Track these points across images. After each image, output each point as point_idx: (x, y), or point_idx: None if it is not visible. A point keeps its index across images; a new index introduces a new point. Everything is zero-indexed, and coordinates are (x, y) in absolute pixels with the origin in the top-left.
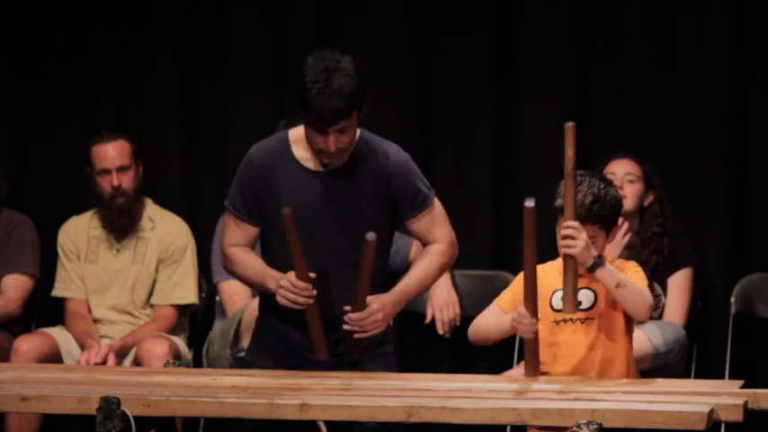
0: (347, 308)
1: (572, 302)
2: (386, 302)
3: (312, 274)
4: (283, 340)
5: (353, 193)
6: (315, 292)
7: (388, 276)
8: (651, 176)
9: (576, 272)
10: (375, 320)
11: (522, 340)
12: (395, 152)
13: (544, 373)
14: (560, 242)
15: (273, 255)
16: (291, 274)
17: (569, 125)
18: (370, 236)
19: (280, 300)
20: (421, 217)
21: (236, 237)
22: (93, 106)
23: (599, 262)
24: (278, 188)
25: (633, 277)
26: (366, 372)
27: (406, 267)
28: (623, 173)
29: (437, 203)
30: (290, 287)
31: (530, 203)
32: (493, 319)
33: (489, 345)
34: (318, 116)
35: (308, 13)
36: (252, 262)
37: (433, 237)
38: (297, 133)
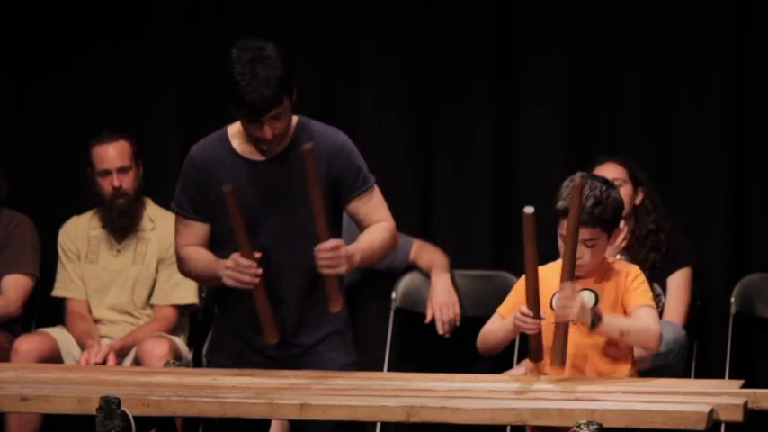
0: (318, 246)
1: (560, 360)
2: (345, 245)
3: (257, 254)
4: (243, 340)
5: (294, 178)
6: (260, 270)
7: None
8: (637, 174)
9: (567, 332)
10: (340, 255)
11: (521, 337)
12: (333, 134)
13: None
14: (555, 310)
15: (224, 250)
16: (236, 254)
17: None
18: (226, 187)
19: (226, 280)
20: (361, 197)
21: (186, 237)
22: (93, 106)
23: (597, 318)
24: (220, 183)
25: (638, 291)
26: (332, 365)
27: (405, 267)
28: (610, 179)
29: (377, 189)
30: (235, 266)
31: (529, 210)
32: (497, 324)
33: (498, 350)
34: (250, 107)
35: (308, 14)
36: (202, 256)
37: (375, 217)
38: (235, 127)
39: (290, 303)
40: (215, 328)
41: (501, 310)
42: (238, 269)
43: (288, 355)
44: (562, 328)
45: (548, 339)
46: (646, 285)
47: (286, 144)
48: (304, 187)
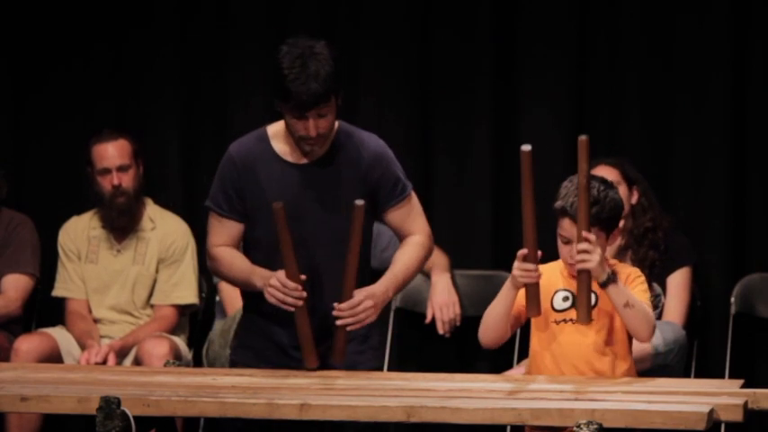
0: (336, 304)
1: (586, 314)
2: (374, 292)
3: (303, 276)
4: (268, 339)
5: (334, 182)
6: (305, 294)
7: (371, 272)
8: (630, 173)
9: (590, 286)
10: (366, 308)
11: (521, 337)
12: (374, 141)
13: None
14: (576, 256)
15: (255, 252)
16: (281, 273)
17: (583, 139)
18: (359, 201)
19: (268, 298)
20: (400, 206)
21: (221, 236)
22: (93, 106)
23: (612, 278)
24: (259, 183)
25: (637, 289)
26: (356, 369)
27: None
28: None
29: (414, 196)
30: (280, 286)
31: (526, 147)
32: (494, 302)
33: (501, 336)
34: (297, 101)
35: (309, 13)
36: (238, 260)
37: (411, 227)
38: (275, 128)
39: (322, 307)
40: (241, 328)
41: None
42: (283, 290)
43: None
44: (585, 281)
45: (549, 337)
46: (645, 287)
47: (327, 148)
48: (342, 193)
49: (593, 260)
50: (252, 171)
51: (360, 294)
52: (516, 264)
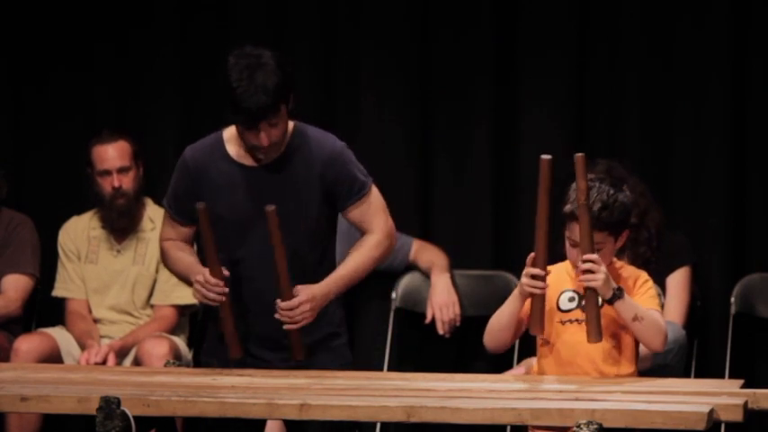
0: (278, 303)
1: (596, 333)
2: (314, 294)
3: (226, 272)
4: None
5: (289, 185)
6: (227, 289)
7: (330, 267)
8: (617, 173)
9: (598, 304)
10: (303, 311)
11: (521, 337)
12: (330, 141)
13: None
14: (581, 276)
15: (220, 253)
16: (206, 271)
17: (579, 156)
18: (269, 207)
19: (194, 295)
20: (358, 205)
21: (169, 233)
22: (93, 107)
23: (618, 294)
24: (212, 187)
25: (645, 295)
26: (326, 368)
27: (405, 267)
28: None
29: (375, 192)
30: (203, 282)
31: (546, 157)
32: (501, 307)
33: (506, 341)
34: (246, 114)
35: (308, 14)
36: (182, 256)
37: (369, 225)
38: (231, 131)
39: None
40: (208, 333)
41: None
42: (205, 286)
43: (279, 357)
44: (593, 301)
45: (554, 338)
46: (654, 291)
47: (281, 150)
48: (297, 194)
49: (598, 279)
50: (205, 175)
51: (301, 296)
52: (525, 272)
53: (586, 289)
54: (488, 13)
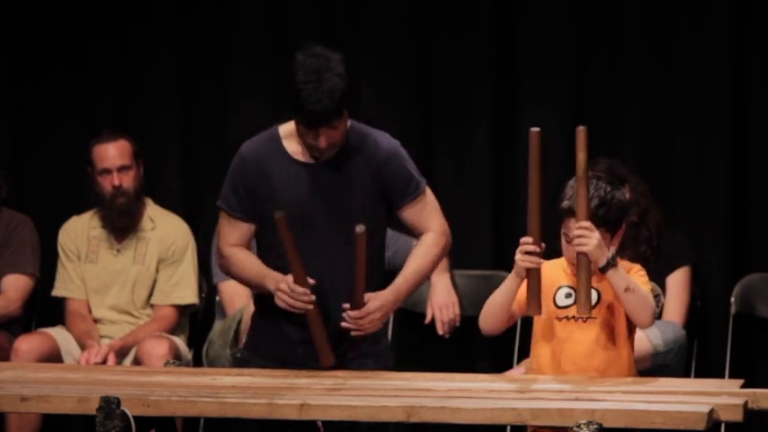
0: (346, 306)
1: (586, 302)
2: (385, 301)
3: (311, 281)
4: (279, 338)
5: (346, 182)
6: (313, 297)
7: (385, 271)
8: (618, 171)
9: (590, 271)
10: (372, 320)
11: (521, 337)
12: (385, 139)
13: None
14: (573, 241)
15: (268, 253)
16: (290, 278)
17: (581, 129)
18: (360, 228)
19: (279, 303)
20: (414, 204)
21: (232, 236)
22: (93, 106)
23: (612, 263)
24: (271, 183)
25: (639, 280)
26: (364, 371)
27: None
28: None
29: (429, 192)
30: (289, 291)
31: (535, 129)
32: (497, 290)
33: (501, 323)
34: (309, 117)
35: (308, 14)
36: (250, 262)
37: (425, 225)
38: (287, 128)
39: (334, 307)
40: (253, 328)
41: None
42: (292, 295)
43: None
44: (585, 269)
45: (550, 333)
46: (646, 279)
47: (338, 149)
48: (354, 192)
49: (590, 243)
50: (263, 171)
51: (372, 304)
52: (519, 249)
53: (579, 255)
54: (488, 13)
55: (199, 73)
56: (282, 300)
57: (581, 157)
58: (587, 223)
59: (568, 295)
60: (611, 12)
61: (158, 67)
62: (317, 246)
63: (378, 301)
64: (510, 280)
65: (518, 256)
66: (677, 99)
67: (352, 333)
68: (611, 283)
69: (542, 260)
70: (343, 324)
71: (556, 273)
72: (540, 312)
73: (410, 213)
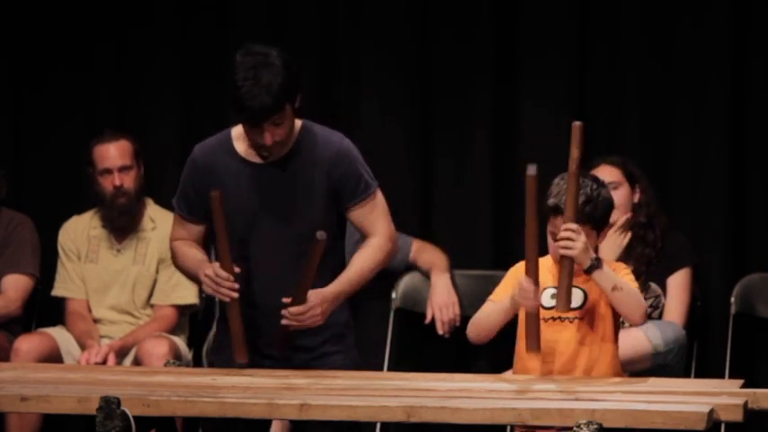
0: (285, 300)
1: (566, 302)
2: (325, 297)
3: (237, 269)
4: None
5: (295, 182)
6: (237, 285)
7: (339, 267)
8: (632, 172)
9: (572, 273)
10: (313, 315)
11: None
12: (337, 139)
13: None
14: (559, 243)
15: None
16: (216, 265)
17: (577, 124)
18: (321, 235)
19: (205, 288)
20: (362, 205)
21: (180, 233)
22: (93, 106)
23: (596, 264)
24: (221, 184)
25: (621, 272)
26: (333, 367)
27: (405, 267)
28: (606, 182)
29: (380, 197)
30: (213, 276)
31: (532, 171)
32: (490, 308)
33: (490, 338)
34: (250, 113)
35: (308, 14)
36: (191, 253)
37: (372, 228)
38: (239, 129)
39: (279, 305)
40: (216, 330)
41: (492, 298)
42: (216, 280)
43: (287, 357)
44: (567, 268)
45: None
46: (631, 276)
47: (289, 148)
48: (304, 193)
49: (576, 247)
50: (213, 171)
51: (311, 300)
52: (517, 287)
53: (562, 257)
54: (488, 13)
55: (199, 73)
56: (208, 285)
57: (575, 152)
58: (574, 225)
59: (554, 296)
60: (611, 12)
61: (158, 67)
62: (265, 246)
63: (318, 296)
64: (507, 306)
65: (517, 298)
66: (677, 99)
67: (291, 328)
68: (598, 284)
69: (540, 303)
70: (283, 321)
71: (542, 274)
72: (539, 349)
73: (358, 215)
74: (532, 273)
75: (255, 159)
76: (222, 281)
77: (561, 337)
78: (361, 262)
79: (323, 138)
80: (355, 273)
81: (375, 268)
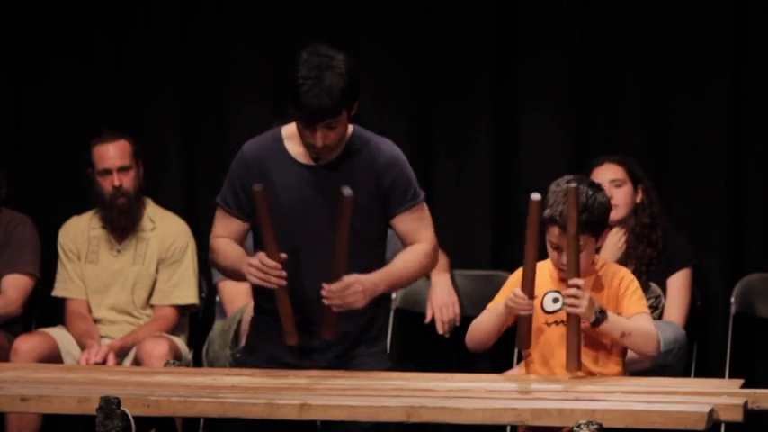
0: (325, 285)
1: (576, 362)
2: (363, 279)
3: (283, 255)
4: (276, 341)
5: (345, 185)
6: (284, 273)
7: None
8: (635, 171)
9: (580, 331)
10: (354, 292)
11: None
12: (388, 146)
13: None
14: (565, 301)
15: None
16: (262, 254)
17: (571, 189)
18: (347, 191)
19: (250, 278)
20: (409, 213)
21: (223, 230)
22: (93, 106)
23: (601, 317)
24: (270, 183)
25: (632, 298)
26: (362, 370)
27: None
28: (608, 180)
29: (426, 207)
30: (260, 266)
31: (536, 197)
32: (486, 315)
33: (488, 345)
34: (307, 112)
35: (309, 14)
36: (231, 250)
37: (417, 236)
38: (290, 129)
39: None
40: (251, 329)
41: (489, 306)
42: (263, 269)
43: (321, 359)
44: (574, 328)
45: (538, 338)
46: (640, 291)
47: (339, 152)
48: (354, 196)
49: (581, 305)
50: (263, 170)
51: (350, 278)
52: (511, 295)
53: (568, 316)
54: (488, 13)
55: (199, 73)
56: (254, 275)
57: (572, 214)
58: (580, 281)
59: (556, 300)
60: (612, 12)
61: (158, 67)
62: (309, 247)
63: (354, 277)
64: (499, 312)
65: (509, 302)
66: (677, 99)
67: (334, 308)
68: (607, 334)
69: (532, 308)
70: (325, 302)
71: (543, 278)
72: (528, 347)
73: (404, 222)
74: (528, 290)
75: (306, 161)
76: (270, 269)
77: (563, 341)
78: (405, 261)
79: (374, 143)
80: (397, 268)
81: (418, 271)
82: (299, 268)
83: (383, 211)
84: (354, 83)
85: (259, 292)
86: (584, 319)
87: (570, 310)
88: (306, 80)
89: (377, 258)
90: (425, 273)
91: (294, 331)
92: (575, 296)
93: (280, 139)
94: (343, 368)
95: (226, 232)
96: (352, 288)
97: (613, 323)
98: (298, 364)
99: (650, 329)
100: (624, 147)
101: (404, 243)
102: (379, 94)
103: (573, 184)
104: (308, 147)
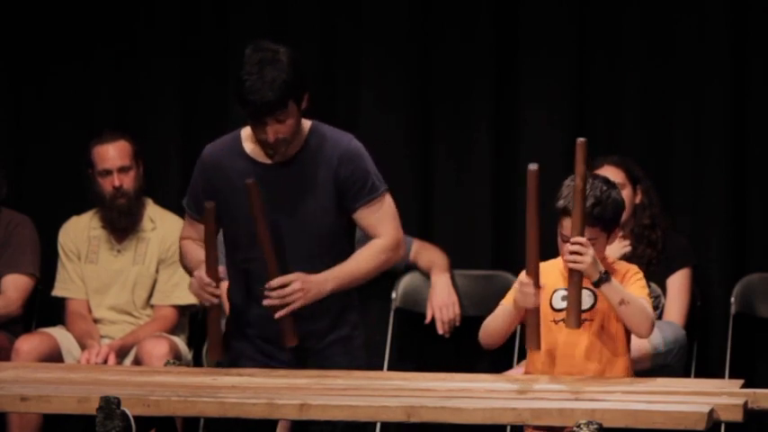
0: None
1: (577, 318)
2: (307, 278)
3: (222, 272)
4: (247, 340)
5: (303, 182)
6: (218, 291)
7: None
8: (634, 173)
9: (581, 287)
10: (293, 290)
11: (521, 337)
12: (346, 140)
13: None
14: (567, 257)
15: (237, 249)
16: (202, 269)
17: (580, 141)
18: (251, 180)
19: (190, 290)
20: (368, 207)
21: (189, 232)
22: (93, 106)
23: (605, 278)
24: (229, 183)
25: (635, 285)
26: (336, 368)
27: (405, 267)
28: None
29: (388, 200)
30: (198, 281)
31: (533, 167)
32: (498, 310)
33: (500, 342)
34: (252, 108)
35: (309, 14)
36: (193, 254)
37: (378, 230)
38: (249, 129)
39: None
40: (226, 331)
41: (503, 301)
42: (200, 284)
43: (294, 358)
44: (576, 284)
45: (545, 336)
46: (643, 282)
47: (296, 148)
48: (311, 193)
49: (585, 261)
50: (220, 171)
51: (289, 276)
52: (516, 283)
53: (571, 271)
54: (489, 13)
55: (199, 73)
56: (193, 290)
57: (580, 168)
58: (583, 239)
59: (564, 298)
60: (612, 12)
61: (158, 68)
62: (272, 243)
63: (295, 274)
64: (509, 309)
65: (517, 296)
66: (677, 100)
67: (276, 314)
68: (605, 297)
69: (540, 301)
70: (265, 302)
71: (552, 275)
72: (539, 348)
73: (364, 217)
74: (533, 271)
75: (263, 159)
76: (204, 285)
77: (570, 339)
78: (359, 259)
79: (332, 138)
80: (349, 266)
81: (375, 267)
82: (262, 268)
83: (341, 206)
84: (299, 74)
85: (234, 295)
86: (587, 275)
87: (573, 265)
88: (249, 76)
89: (339, 256)
90: (387, 267)
91: (220, 348)
92: (578, 253)
93: (238, 139)
94: (314, 366)
95: (192, 234)
96: (291, 286)
97: (615, 287)
98: (270, 364)
99: (649, 310)
100: (624, 147)
101: (367, 237)
102: (379, 93)
103: (582, 139)
104: (263, 144)
